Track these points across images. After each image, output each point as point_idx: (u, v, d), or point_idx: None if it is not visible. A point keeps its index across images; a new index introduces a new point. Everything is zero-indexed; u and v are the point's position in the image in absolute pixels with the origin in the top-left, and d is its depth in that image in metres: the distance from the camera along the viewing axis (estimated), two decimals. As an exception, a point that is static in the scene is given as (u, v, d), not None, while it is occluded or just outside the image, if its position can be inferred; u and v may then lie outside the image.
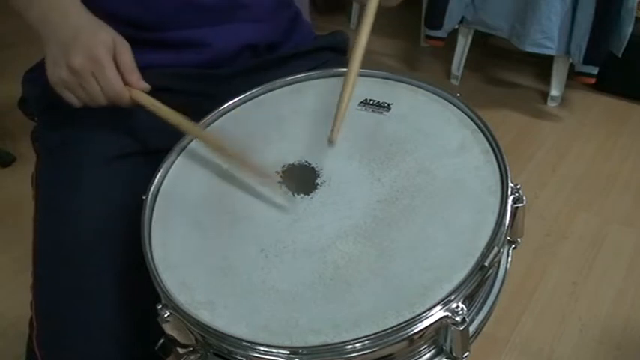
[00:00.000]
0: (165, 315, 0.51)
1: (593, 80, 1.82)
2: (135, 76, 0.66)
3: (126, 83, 0.65)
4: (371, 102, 0.71)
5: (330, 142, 0.65)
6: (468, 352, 0.52)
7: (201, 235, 0.59)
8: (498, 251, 0.54)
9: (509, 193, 0.58)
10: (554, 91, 2.01)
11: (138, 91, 0.66)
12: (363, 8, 0.72)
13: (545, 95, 2.04)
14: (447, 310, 0.49)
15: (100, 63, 0.63)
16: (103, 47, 0.63)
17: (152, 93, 0.67)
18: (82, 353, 0.64)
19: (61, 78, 0.64)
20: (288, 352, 0.48)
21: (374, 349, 0.48)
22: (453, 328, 0.49)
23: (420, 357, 0.53)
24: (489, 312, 0.57)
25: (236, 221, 0.60)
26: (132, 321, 0.65)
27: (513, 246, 0.64)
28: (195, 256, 0.57)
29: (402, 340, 0.49)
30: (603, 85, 1.99)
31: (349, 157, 0.65)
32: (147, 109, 0.67)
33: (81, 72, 0.62)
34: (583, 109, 2.02)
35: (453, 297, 0.49)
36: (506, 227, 0.57)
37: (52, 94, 0.73)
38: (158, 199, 0.63)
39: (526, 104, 2.04)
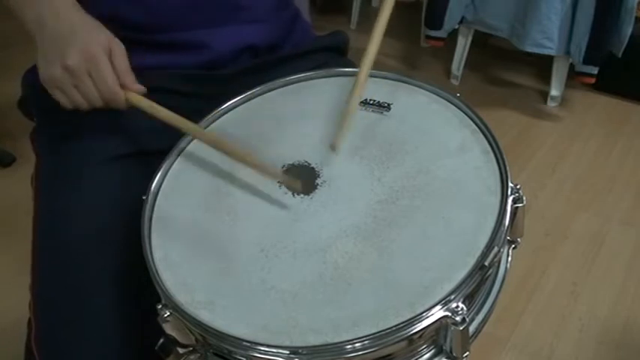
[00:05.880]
0: (165, 315, 0.51)
1: (593, 80, 1.82)
2: (130, 78, 0.65)
3: (121, 85, 0.64)
4: (371, 102, 0.71)
5: (333, 148, 0.64)
6: (467, 352, 0.52)
7: (201, 235, 0.59)
8: (498, 251, 0.54)
9: (509, 193, 0.58)
10: (554, 91, 2.01)
11: (134, 94, 0.65)
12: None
13: (545, 95, 2.04)
14: (447, 310, 0.49)
15: (97, 62, 0.62)
16: (99, 47, 0.62)
17: (152, 94, 0.67)
18: (80, 353, 0.64)
19: (54, 77, 0.62)
20: (288, 352, 0.48)
21: (374, 349, 0.48)
22: (453, 328, 0.49)
23: (419, 357, 0.53)
24: (489, 312, 0.57)
25: (236, 221, 0.60)
26: (132, 321, 0.65)
27: (513, 246, 0.64)
28: (195, 256, 0.57)
29: (402, 340, 0.48)
30: (603, 85, 1.99)
31: (349, 157, 0.65)
32: (144, 112, 0.66)
33: (76, 71, 0.61)
34: (583, 109, 2.02)
35: (453, 297, 0.49)
36: (506, 227, 0.57)
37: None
38: (158, 199, 0.63)
39: (526, 104, 2.04)
